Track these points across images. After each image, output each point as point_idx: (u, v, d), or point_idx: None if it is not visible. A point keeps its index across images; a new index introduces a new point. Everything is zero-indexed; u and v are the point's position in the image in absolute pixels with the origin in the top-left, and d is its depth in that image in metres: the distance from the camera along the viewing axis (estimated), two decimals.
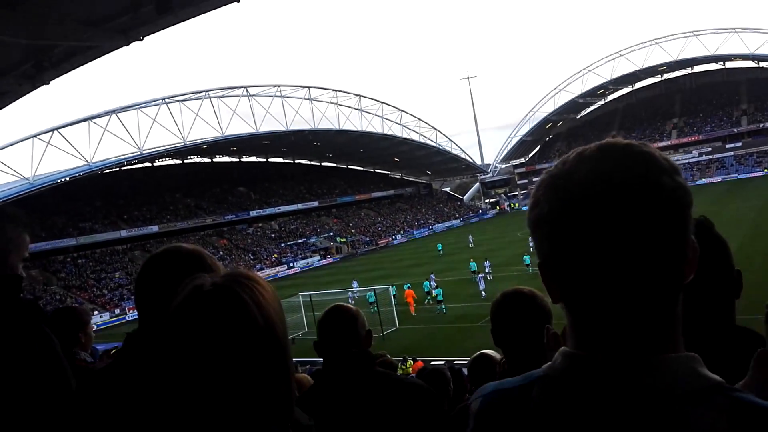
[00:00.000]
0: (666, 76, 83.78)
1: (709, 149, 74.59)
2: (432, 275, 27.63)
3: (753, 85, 74.96)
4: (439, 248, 46.15)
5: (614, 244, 0.64)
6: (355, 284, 29.10)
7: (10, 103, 16.15)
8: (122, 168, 53.51)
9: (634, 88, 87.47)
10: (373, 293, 24.60)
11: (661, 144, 76.89)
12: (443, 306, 23.70)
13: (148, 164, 58.00)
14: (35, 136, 41.72)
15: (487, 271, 27.87)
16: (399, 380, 2.02)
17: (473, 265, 28.54)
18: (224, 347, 0.79)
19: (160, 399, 1.16)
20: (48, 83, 15.49)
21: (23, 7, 10.14)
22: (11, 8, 9.93)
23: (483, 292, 24.26)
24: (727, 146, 73.40)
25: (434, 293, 24.65)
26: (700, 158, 74.88)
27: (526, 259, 29.15)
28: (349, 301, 23.27)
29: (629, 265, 0.64)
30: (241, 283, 0.83)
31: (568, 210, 0.66)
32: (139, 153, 48.25)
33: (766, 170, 66.62)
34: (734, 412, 0.61)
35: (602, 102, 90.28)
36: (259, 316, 0.81)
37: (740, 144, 72.56)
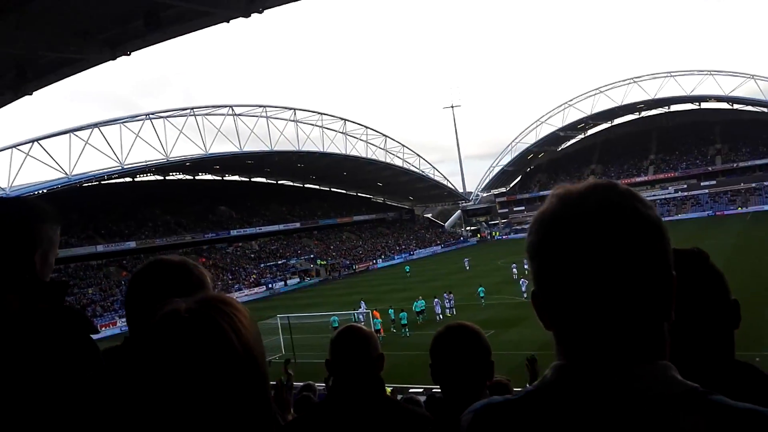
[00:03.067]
0: (644, 113, 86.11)
1: (685, 186, 76.57)
2: (423, 299, 27.92)
3: (727, 126, 77.49)
4: (407, 270, 49.82)
5: (594, 269, 0.70)
6: (363, 306, 28.60)
7: None
8: (102, 182, 53.00)
9: (612, 124, 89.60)
10: (336, 318, 25.02)
11: (638, 179, 78.70)
12: (407, 330, 24.22)
13: (128, 179, 57.57)
14: (15, 146, 41.30)
15: (449, 305, 27.62)
16: (407, 410, 1.98)
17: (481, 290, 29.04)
18: (201, 376, 0.75)
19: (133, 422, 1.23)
20: (31, 94, 15.47)
21: (9, 17, 10.19)
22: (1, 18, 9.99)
23: (439, 317, 25.86)
24: (701, 183, 75.41)
25: (400, 317, 25.02)
26: (676, 194, 76.74)
27: (522, 284, 29.63)
28: (358, 319, 24.53)
29: (607, 288, 0.70)
30: (217, 309, 0.79)
31: (552, 240, 0.73)
32: (120, 168, 47.90)
33: (740, 208, 68.42)
34: (711, 413, 0.66)
35: (582, 136, 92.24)
36: (237, 343, 0.77)
37: (714, 182, 74.56)
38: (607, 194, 0.73)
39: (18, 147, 41.31)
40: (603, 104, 79.07)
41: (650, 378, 0.70)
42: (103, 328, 38.83)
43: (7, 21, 10.29)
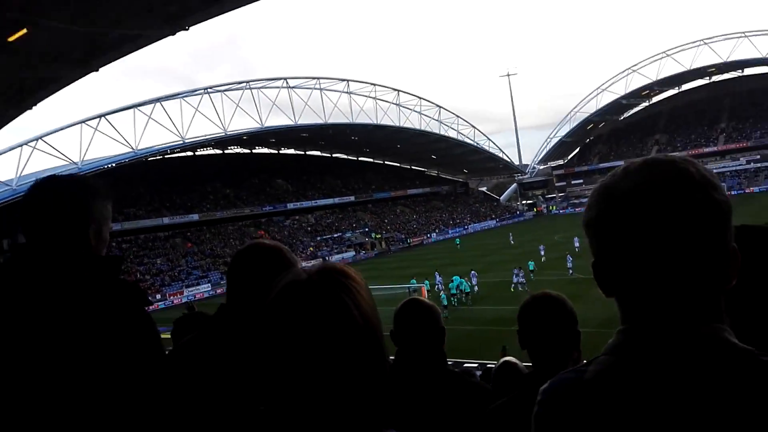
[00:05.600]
0: (714, 78, 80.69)
1: (758, 157, 71.68)
2: (473, 272, 28.22)
3: None
4: (457, 242, 50.87)
5: (652, 246, 0.75)
6: (438, 277, 29.20)
7: (61, 88, 16.92)
8: (165, 156, 55.05)
9: (680, 90, 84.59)
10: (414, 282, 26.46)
11: (706, 150, 74.45)
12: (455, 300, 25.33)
13: (189, 153, 59.50)
14: (83, 121, 43.28)
15: (473, 282, 27.64)
16: (471, 383, 2.04)
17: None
18: (323, 342, 0.78)
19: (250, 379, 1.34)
20: (97, 70, 16.17)
21: None
22: None
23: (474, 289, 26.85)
24: None
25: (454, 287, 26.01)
26: (748, 166, 72.07)
27: (568, 260, 29.31)
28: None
29: (669, 259, 0.75)
30: (337, 280, 0.83)
31: (612, 215, 0.79)
32: (181, 142, 49.56)
33: None
34: (764, 371, 0.72)
35: (646, 104, 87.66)
36: (356, 313, 0.81)
37: None
38: (671, 171, 0.78)
39: (87, 122, 43.32)
40: (670, 69, 74.46)
41: (712, 339, 0.75)
42: (171, 296, 40.92)
43: (77, 1, 10.74)
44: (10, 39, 12.19)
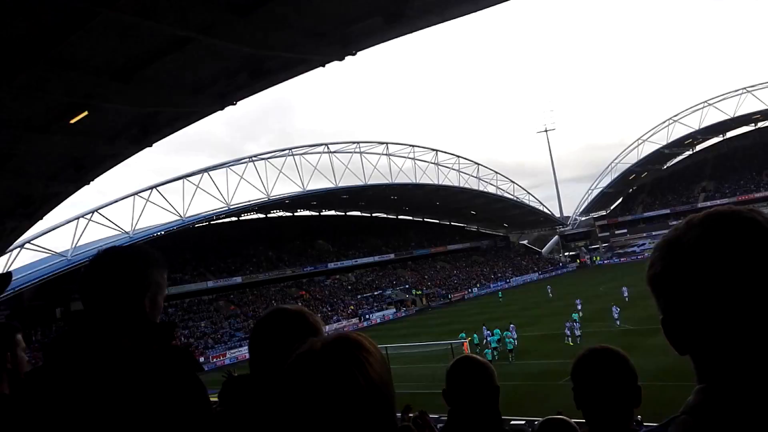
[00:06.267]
0: (760, 124, 79.07)
1: None
2: (511, 326, 27.60)
3: None
4: (500, 296, 50.96)
5: (726, 299, 0.71)
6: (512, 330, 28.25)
7: (118, 164, 17.88)
8: (211, 222, 56.80)
9: (724, 138, 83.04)
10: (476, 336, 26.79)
11: (756, 195, 71.96)
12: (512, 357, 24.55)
13: (234, 218, 61.22)
14: (136, 193, 45.37)
15: (513, 335, 26.66)
16: None
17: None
18: (330, 406, 0.84)
19: None
20: (151, 145, 17.09)
21: (137, 80, 11.44)
22: (125, 81, 11.24)
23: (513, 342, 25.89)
24: None
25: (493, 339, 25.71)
26: None
27: (614, 311, 28.44)
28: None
29: (740, 317, 0.71)
30: (347, 350, 0.88)
31: (680, 269, 0.75)
32: (227, 208, 51.17)
33: None
34: None
35: (690, 152, 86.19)
36: (363, 381, 0.85)
37: None
38: (738, 219, 0.75)
39: (139, 194, 45.39)
40: (712, 118, 73.59)
41: None
42: (214, 359, 41.12)
43: (134, 84, 11.55)
44: (72, 121, 13.11)
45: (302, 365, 0.88)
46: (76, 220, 41.62)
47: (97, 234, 50.97)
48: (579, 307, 33.26)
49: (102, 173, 17.64)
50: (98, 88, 11.70)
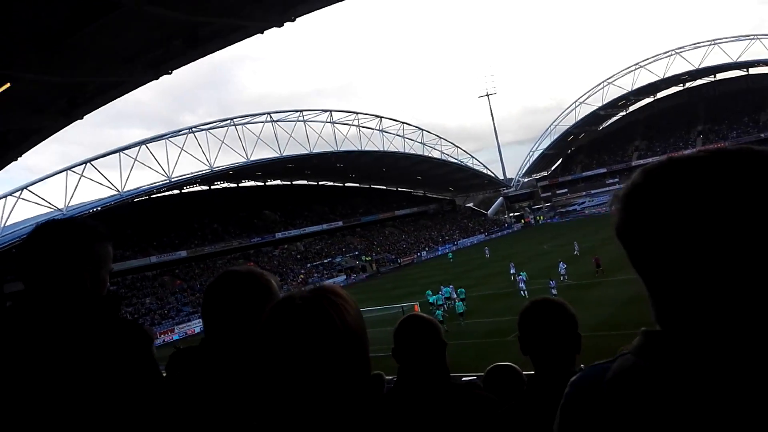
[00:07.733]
0: (688, 84, 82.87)
1: None
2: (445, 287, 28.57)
3: None
4: (450, 257, 53.07)
5: (679, 248, 0.70)
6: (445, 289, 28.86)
7: (46, 138, 16.95)
8: (151, 196, 54.87)
9: (655, 98, 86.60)
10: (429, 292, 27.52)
11: (686, 152, 75.72)
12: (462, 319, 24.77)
13: (176, 191, 59.35)
14: (69, 168, 43.12)
15: (453, 296, 27.65)
16: (476, 395, 2.00)
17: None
18: (310, 350, 0.90)
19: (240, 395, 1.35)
20: (82, 118, 16.24)
21: (62, 49, 10.77)
22: (52, 51, 10.57)
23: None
24: None
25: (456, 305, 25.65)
26: None
27: (561, 267, 29.66)
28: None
29: (692, 267, 0.69)
30: (326, 297, 0.95)
31: (637, 220, 0.75)
32: (167, 181, 49.48)
33: None
34: None
35: (623, 113, 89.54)
36: (340, 325, 0.92)
37: None
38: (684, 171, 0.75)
39: (72, 169, 43.15)
40: (644, 79, 76.58)
41: (734, 343, 0.69)
42: (162, 335, 40.33)
43: (59, 53, 10.88)
44: None
45: (282, 310, 0.93)
46: (4, 199, 39.33)
47: (26, 213, 48.37)
48: (513, 271, 33.09)
49: (29, 148, 16.70)
50: (18, 57, 10.96)
